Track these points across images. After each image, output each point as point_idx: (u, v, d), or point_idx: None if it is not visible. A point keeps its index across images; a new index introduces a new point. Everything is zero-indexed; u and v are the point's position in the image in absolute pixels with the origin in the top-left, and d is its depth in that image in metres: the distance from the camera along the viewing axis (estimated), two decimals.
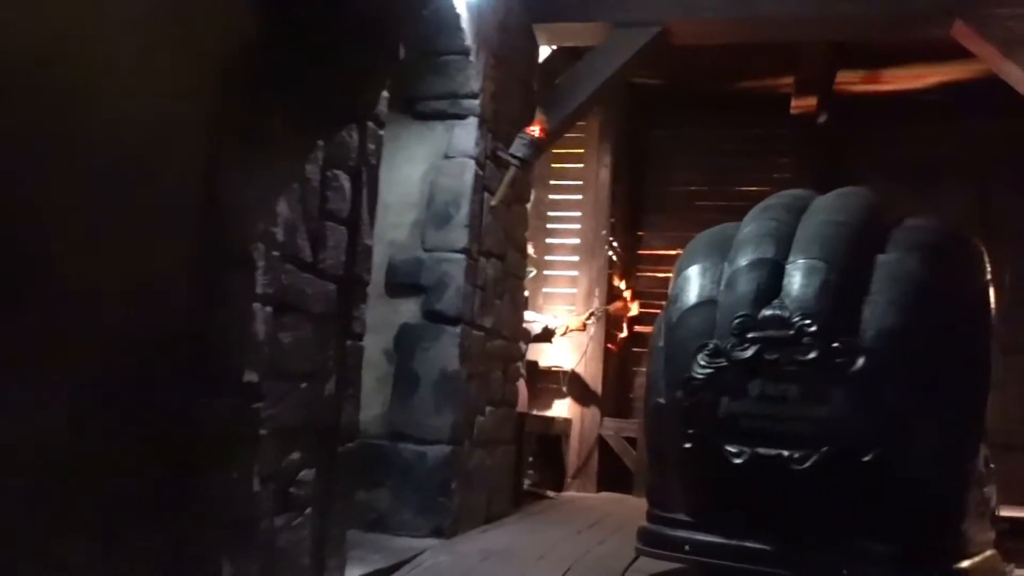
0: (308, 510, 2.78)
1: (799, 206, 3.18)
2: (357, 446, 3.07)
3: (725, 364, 2.86)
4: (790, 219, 3.08)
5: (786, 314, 2.79)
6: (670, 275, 7.98)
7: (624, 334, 7.93)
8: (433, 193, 4.27)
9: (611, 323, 7.52)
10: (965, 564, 2.77)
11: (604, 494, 6.94)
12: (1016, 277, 7.42)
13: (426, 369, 4.18)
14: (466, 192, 4.25)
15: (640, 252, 8.15)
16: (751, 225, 3.18)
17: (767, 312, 2.83)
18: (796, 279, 2.86)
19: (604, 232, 7.31)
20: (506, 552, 3.92)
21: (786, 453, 2.68)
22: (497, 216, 4.61)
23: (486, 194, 4.47)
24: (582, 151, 7.34)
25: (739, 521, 2.89)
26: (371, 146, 3.12)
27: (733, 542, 2.88)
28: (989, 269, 3.13)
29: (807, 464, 2.64)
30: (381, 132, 3.20)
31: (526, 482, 6.34)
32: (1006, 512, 3.86)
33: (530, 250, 6.72)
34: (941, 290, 2.82)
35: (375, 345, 4.21)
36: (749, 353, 2.82)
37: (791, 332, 2.75)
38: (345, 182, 2.95)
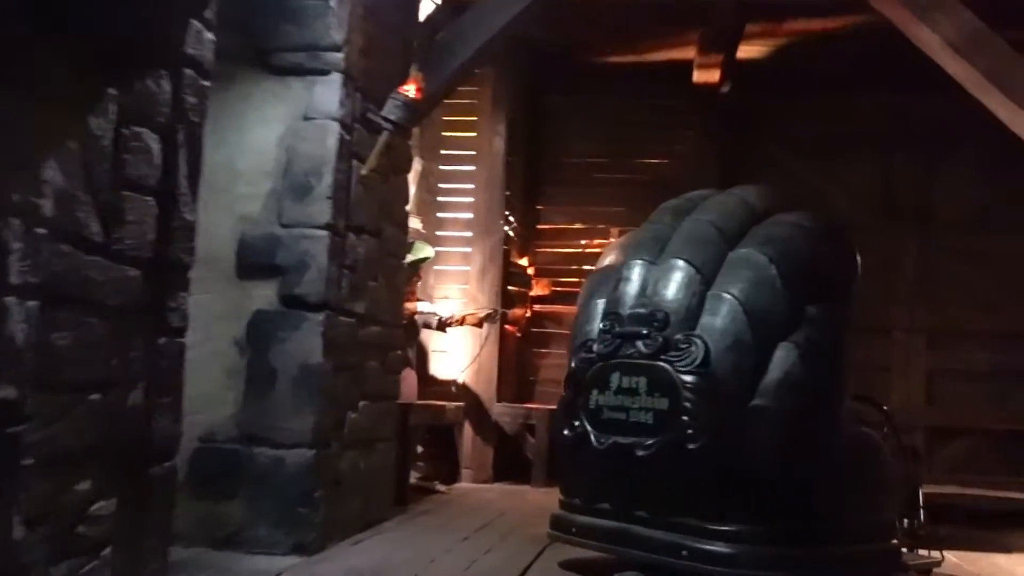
0: (106, 551, 2.24)
1: (687, 208, 3.31)
2: (172, 467, 2.52)
3: (594, 358, 3.08)
4: (675, 222, 3.24)
5: (645, 311, 2.97)
6: (572, 250, 7.67)
7: (527, 315, 7.52)
8: (291, 160, 3.71)
9: (510, 303, 7.08)
10: (832, 548, 2.96)
11: (501, 485, 6.53)
12: (920, 254, 7.37)
13: (284, 362, 3.64)
14: (329, 159, 3.71)
15: (540, 227, 7.72)
16: (644, 228, 3.39)
17: (631, 310, 3.02)
18: (660, 278, 3.03)
19: (500, 206, 6.83)
20: (376, 571, 3.44)
21: (633, 441, 2.86)
22: (370, 188, 4.07)
23: (355, 162, 3.93)
24: (475, 118, 6.82)
25: (605, 504, 3.13)
26: (191, 99, 2.55)
27: (600, 523, 3.14)
28: (857, 258, 3.21)
29: (649, 452, 2.82)
30: (206, 83, 2.63)
31: (415, 475, 5.86)
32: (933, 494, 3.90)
33: (418, 225, 6.22)
34: (785, 281, 2.89)
35: (224, 335, 3.66)
36: (610, 348, 3.02)
37: (645, 329, 2.92)
38: (153, 143, 2.39)
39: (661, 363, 2.85)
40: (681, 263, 3.00)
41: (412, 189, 5.39)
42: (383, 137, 4.00)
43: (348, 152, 3.85)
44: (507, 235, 7.05)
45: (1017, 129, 4.11)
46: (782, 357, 2.84)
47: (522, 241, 7.53)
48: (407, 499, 5.16)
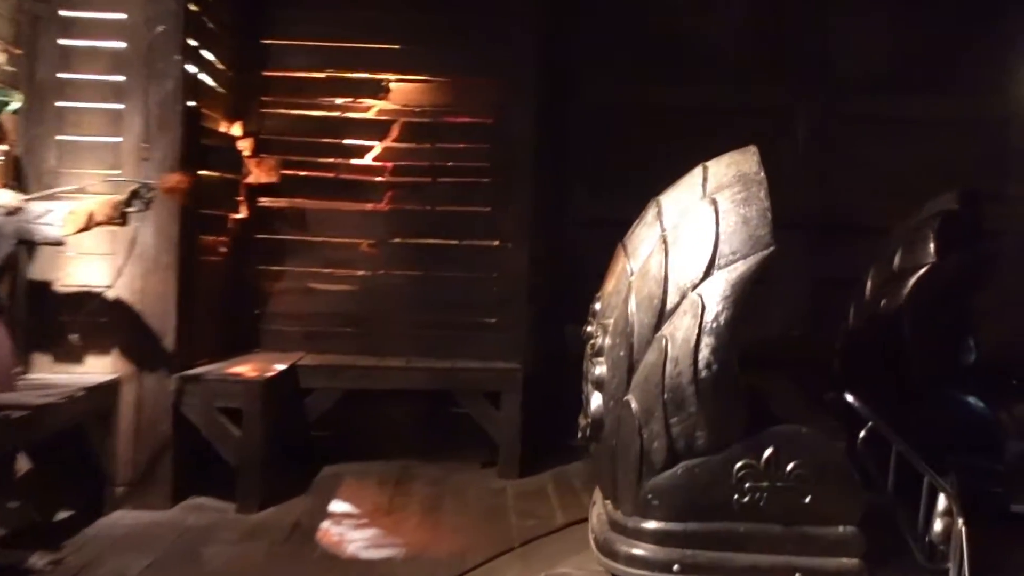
0: None
1: None
2: None
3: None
4: None
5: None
6: (321, 112, 4.79)
7: (241, 215, 4.69)
8: None
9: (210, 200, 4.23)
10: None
11: (187, 506, 3.90)
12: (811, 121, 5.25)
13: None
14: None
15: (267, 73, 4.80)
16: None
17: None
18: None
19: (178, 31, 3.88)
20: None
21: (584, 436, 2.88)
22: None
23: None
24: None
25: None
26: None
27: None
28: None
29: (587, 444, 2.89)
30: None
31: None
32: None
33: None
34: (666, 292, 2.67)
35: None
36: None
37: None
38: None
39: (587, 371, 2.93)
40: None
41: None
42: None
43: None
44: (194, 82, 4.14)
45: None
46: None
47: (232, 97, 4.62)
48: None
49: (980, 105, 5.09)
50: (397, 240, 4.82)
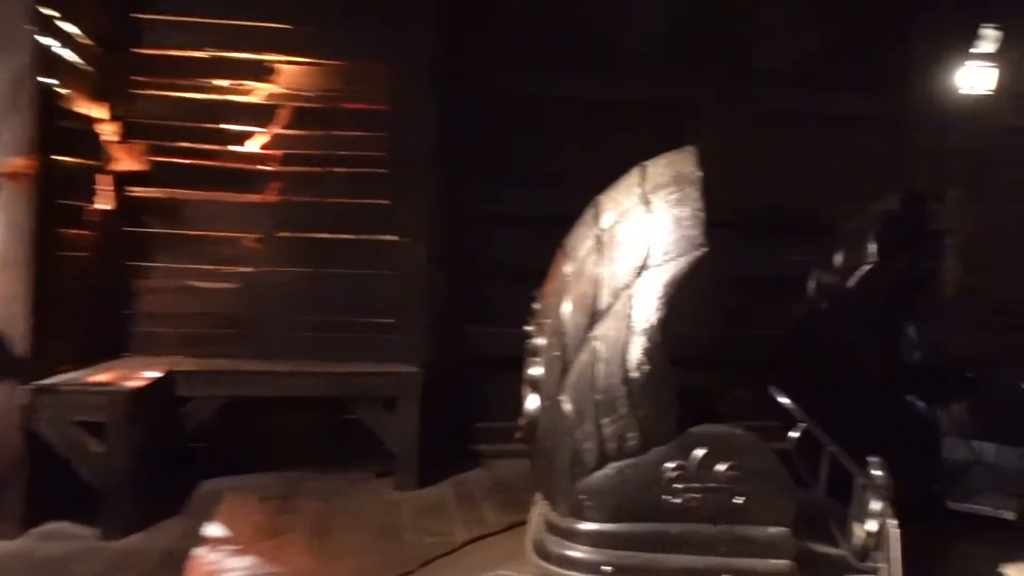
0: None
1: None
2: None
3: None
4: None
5: None
6: (200, 96, 4.31)
7: (107, 205, 4.24)
8: None
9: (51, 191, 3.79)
10: None
11: (40, 533, 3.47)
12: (724, 114, 5.12)
13: None
14: None
15: (140, 49, 4.35)
16: None
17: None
18: None
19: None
20: None
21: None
22: None
23: None
24: None
25: None
26: None
27: None
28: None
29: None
30: None
31: None
32: None
33: None
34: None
35: None
36: None
37: None
38: None
39: None
40: None
41: None
42: None
43: None
44: (52, 57, 3.69)
45: None
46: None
47: (98, 75, 4.17)
48: None
49: (894, 102, 5.07)
50: (286, 234, 4.45)
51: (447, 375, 4.52)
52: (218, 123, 4.37)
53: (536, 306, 3.01)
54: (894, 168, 4.95)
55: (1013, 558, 3.43)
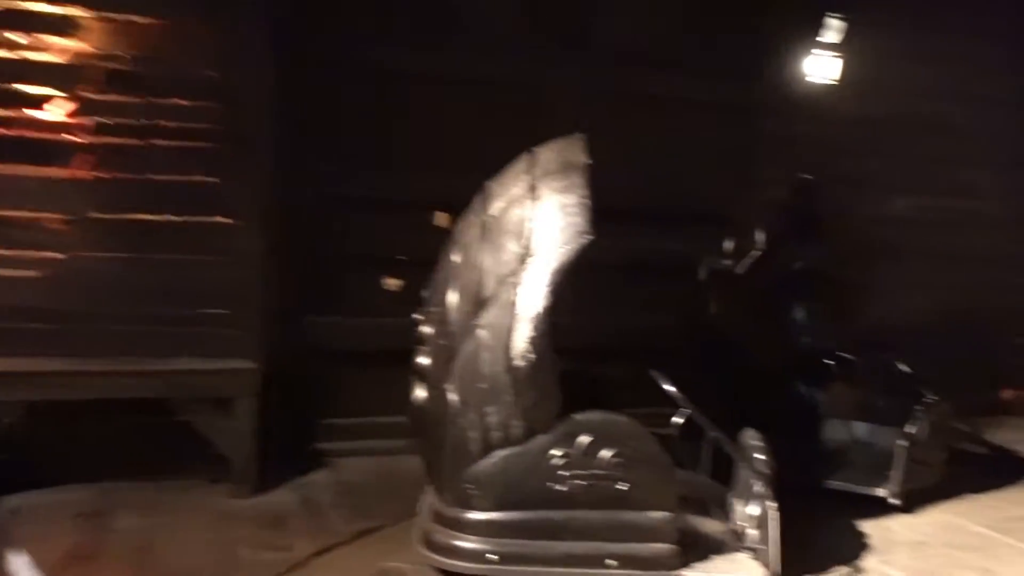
0: None
1: None
2: None
3: None
4: None
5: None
6: None
7: None
8: None
9: None
10: None
11: None
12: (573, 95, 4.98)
13: None
14: None
15: None
16: None
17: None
18: None
19: None
20: None
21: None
22: None
23: None
24: None
25: None
26: None
27: None
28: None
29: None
30: None
31: None
32: None
33: None
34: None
35: None
36: None
37: None
38: None
39: None
40: None
41: None
42: None
43: None
44: None
45: None
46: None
47: None
48: None
49: (747, 89, 5.07)
50: (99, 215, 3.92)
51: (289, 370, 4.17)
52: (10, 84, 3.79)
53: (425, 294, 2.99)
54: (748, 156, 4.99)
55: (885, 533, 3.58)
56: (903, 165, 5.47)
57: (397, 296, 4.45)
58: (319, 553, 3.27)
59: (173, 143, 3.96)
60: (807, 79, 5.14)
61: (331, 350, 4.32)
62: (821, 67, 5.13)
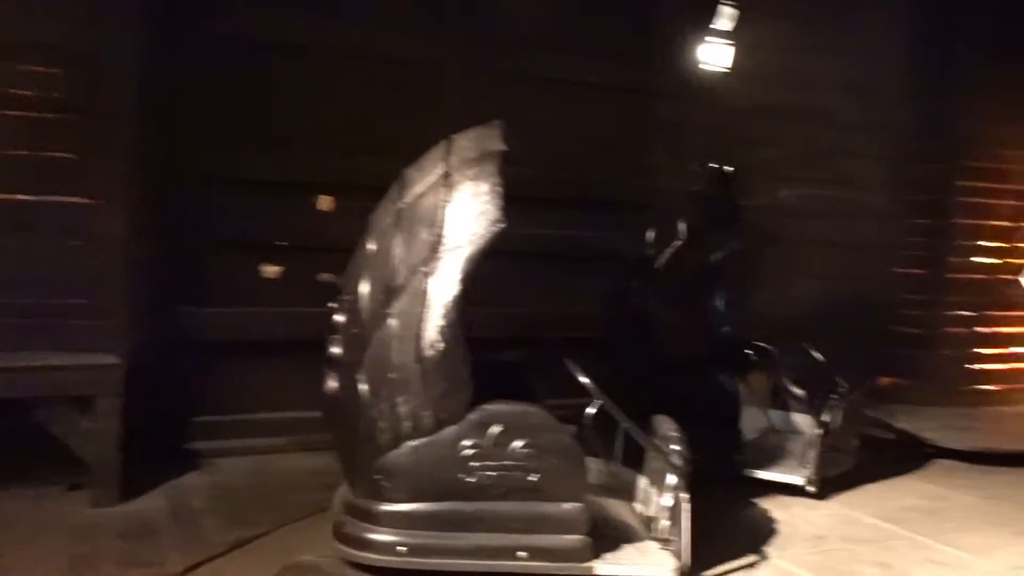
0: None
1: None
2: None
3: None
4: None
5: None
6: None
7: None
8: None
9: None
10: None
11: None
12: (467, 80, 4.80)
13: None
14: None
15: None
16: None
17: None
18: None
19: None
20: None
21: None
22: None
23: None
24: None
25: None
26: None
27: None
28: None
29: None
30: None
31: None
32: None
33: None
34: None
35: None
36: None
37: None
38: None
39: None
40: None
41: None
42: None
43: None
44: None
45: None
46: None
47: None
48: None
49: (639, 73, 5.01)
50: None
51: (158, 365, 3.86)
52: None
53: (338, 281, 2.94)
54: (643, 141, 4.95)
55: (805, 518, 3.64)
56: (792, 155, 5.55)
57: (276, 284, 4.24)
58: (193, 567, 3.01)
59: (22, 114, 3.60)
60: (700, 66, 5.12)
61: (204, 342, 4.05)
62: (714, 55, 5.12)
